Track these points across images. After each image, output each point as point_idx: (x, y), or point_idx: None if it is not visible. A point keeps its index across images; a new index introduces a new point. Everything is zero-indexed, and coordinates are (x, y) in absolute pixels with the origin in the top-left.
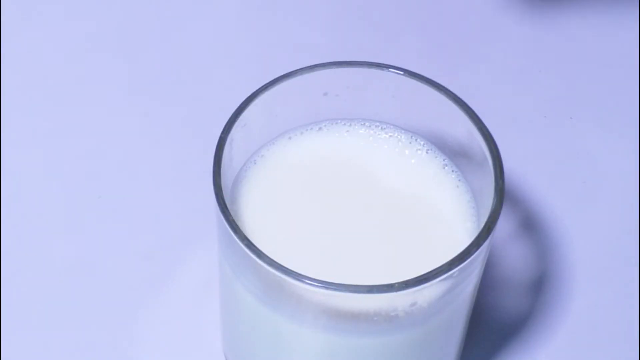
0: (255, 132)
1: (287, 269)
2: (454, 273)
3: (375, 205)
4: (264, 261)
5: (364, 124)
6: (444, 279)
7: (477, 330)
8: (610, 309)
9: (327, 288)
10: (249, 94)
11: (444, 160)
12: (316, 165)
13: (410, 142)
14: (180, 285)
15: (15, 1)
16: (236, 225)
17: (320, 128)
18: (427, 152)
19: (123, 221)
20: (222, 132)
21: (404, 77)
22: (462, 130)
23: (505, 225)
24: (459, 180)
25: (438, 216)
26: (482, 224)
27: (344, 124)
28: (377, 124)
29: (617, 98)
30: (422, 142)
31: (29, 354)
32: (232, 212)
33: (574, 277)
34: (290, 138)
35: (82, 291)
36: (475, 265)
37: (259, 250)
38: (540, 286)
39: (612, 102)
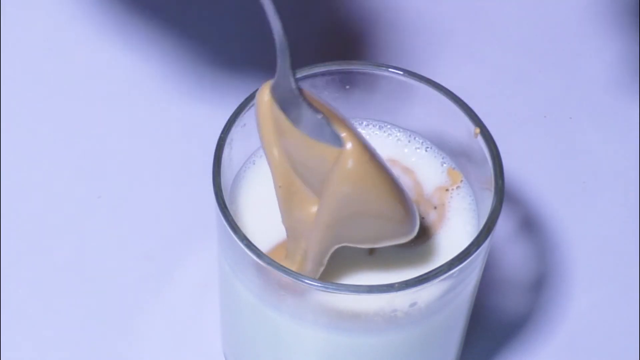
0: (254, 132)
1: (287, 269)
2: (453, 273)
3: None
4: (264, 261)
5: (364, 123)
6: (444, 279)
7: (477, 330)
8: (610, 309)
9: (327, 288)
10: (248, 94)
11: (443, 159)
12: None
13: (409, 142)
14: (180, 285)
15: (15, 1)
16: (236, 225)
17: None
18: (426, 151)
19: (123, 221)
20: (222, 132)
21: (404, 77)
22: (462, 130)
23: (505, 225)
24: (459, 182)
25: (438, 216)
26: (482, 224)
27: None
28: (377, 123)
29: (617, 98)
30: (421, 142)
31: (29, 354)
32: (231, 212)
33: (574, 277)
34: None
35: (82, 291)
36: (475, 265)
37: (259, 250)
38: (540, 286)
39: (612, 102)
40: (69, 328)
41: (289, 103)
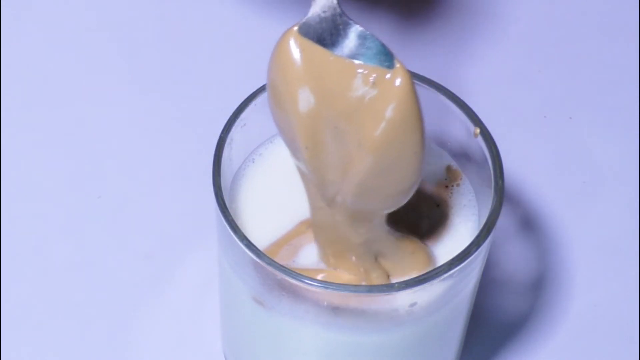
0: (254, 132)
1: (286, 269)
2: (453, 273)
3: None
4: (264, 261)
5: None
6: (444, 278)
7: (477, 330)
8: (610, 309)
9: (327, 288)
10: (249, 94)
11: (443, 158)
12: None
13: None
14: (180, 285)
15: (15, 1)
16: (236, 225)
17: None
18: (426, 150)
19: (123, 221)
20: (222, 132)
21: None
22: (462, 130)
23: (505, 225)
24: (459, 180)
25: (438, 216)
26: (482, 224)
27: None
28: None
29: (617, 98)
30: None
31: (29, 354)
32: (231, 211)
33: (574, 277)
34: None
35: (82, 291)
36: (474, 265)
37: (259, 250)
38: (540, 286)
39: (612, 102)
40: (69, 328)
41: (326, 30)
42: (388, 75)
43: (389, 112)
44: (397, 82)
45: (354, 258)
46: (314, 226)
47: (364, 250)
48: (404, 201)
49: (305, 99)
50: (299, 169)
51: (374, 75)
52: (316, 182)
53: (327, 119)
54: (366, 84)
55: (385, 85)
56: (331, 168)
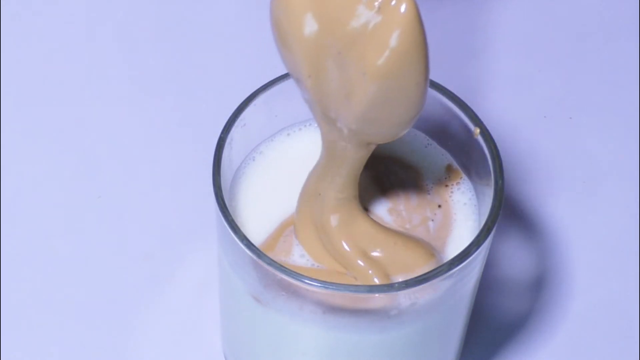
0: (254, 132)
1: (287, 269)
2: (453, 273)
3: (373, 203)
4: (264, 261)
5: None
6: (444, 278)
7: (477, 330)
8: (610, 309)
9: (327, 288)
10: (249, 94)
11: (443, 157)
12: (315, 161)
13: (410, 140)
14: (180, 285)
15: (15, 1)
16: (236, 225)
17: None
18: (426, 148)
19: (123, 221)
20: (222, 132)
21: None
22: (462, 130)
23: (505, 225)
24: (459, 179)
25: (438, 215)
26: (482, 224)
27: None
28: None
29: (617, 98)
30: (421, 140)
31: (29, 354)
32: (231, 210)
33: (573, 277)
34: (288, 135)
35: (82, 291)
36: (475, 264)
37: (259, 250)
38: (540, 286)
39: (612, 102)
40: (69, 328)
41: None
42: (393, 2)
43: (393, 40)
44: (402, 8)
45: (340, 254)
46: (297, 222)
47: (349, 243)
48: (404, 131)
49: (308, 26)
50: (306, 101)
51: (379, 0)
52: (320, 112)
53: (330, 46)
54: (370, 9)
55: (389, 12)
56: (334, 96)
